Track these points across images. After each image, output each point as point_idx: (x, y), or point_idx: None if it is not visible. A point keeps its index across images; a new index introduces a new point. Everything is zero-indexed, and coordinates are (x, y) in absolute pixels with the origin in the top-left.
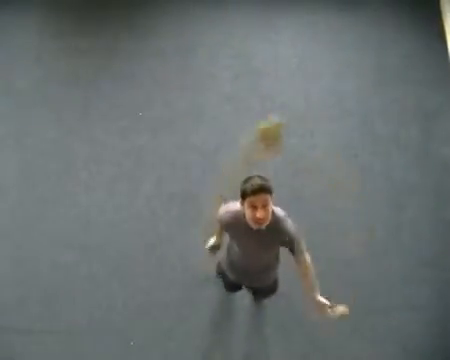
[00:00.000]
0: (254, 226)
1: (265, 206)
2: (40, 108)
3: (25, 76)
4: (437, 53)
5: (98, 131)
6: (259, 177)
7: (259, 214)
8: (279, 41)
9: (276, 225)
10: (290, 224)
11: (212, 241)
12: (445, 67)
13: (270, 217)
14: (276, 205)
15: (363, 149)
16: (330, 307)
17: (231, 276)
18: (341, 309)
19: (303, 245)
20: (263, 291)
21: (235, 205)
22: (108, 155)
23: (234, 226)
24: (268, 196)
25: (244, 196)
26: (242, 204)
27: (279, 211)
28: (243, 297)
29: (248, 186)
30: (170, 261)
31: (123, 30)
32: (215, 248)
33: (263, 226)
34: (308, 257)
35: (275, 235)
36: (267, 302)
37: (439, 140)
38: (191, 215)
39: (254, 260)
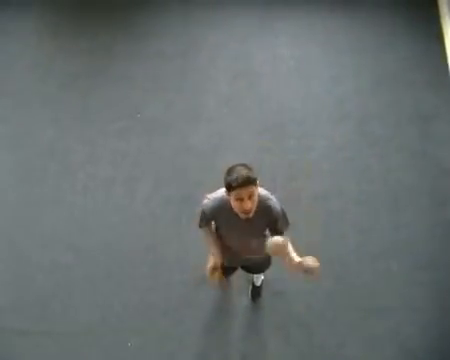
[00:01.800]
0: (242, 216)
1: (251, 197)
2: (38, 108)
3: (23, 76)
4: (434, 55)
5: (96, 132)
6: (243, 166)
7: (246, 205)
8: (277, 43)
9: (261, 205)
10: (274, 202)
11: (210, 261)
12: (442, 69)
13: (256, 204)
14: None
15: (360, 151)
16: (303, 265)
17: (225, 262)
18: (310, 261)
19: (286, 224)
20: (258, 266)
21: (217, 193)
22: (106, 156)
23: (220, 213)
24: (253, 187)
25: (229, 189)
26: (228, 195)
27: (262, 191)
28: (241, 297)
29: (233, 179)
30: (167, 262)
31: (122, 31)
32: (218, 270)
33: (251, 215)
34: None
35: (262, 215)
36: (265, 302)
37: (436, 142)
38: (188, 217)
39: (244, 243)
